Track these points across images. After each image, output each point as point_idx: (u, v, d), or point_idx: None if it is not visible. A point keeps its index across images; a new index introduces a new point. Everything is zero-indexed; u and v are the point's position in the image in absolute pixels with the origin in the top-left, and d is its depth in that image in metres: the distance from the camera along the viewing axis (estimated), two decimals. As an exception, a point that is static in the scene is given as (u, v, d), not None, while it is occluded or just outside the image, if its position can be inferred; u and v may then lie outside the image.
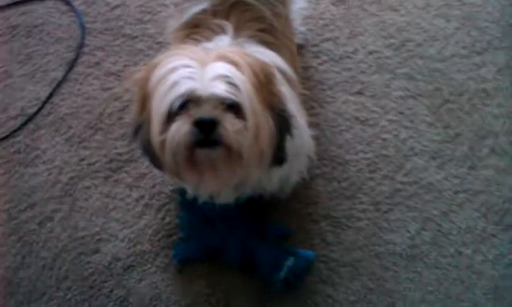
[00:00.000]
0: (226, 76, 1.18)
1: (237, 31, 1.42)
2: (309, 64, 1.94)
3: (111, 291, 1.63)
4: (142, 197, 1.76)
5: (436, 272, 1.60)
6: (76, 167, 1.83)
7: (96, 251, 1.69)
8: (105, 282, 1.64)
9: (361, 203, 1.70)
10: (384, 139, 1.80)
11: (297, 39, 1.85)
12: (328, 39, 1.99)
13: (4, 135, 1.91)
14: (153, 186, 1.77)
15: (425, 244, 1.63)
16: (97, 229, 1.72)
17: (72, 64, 2.03)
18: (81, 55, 2.05)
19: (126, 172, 1.80)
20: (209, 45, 1.37)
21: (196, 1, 1.50)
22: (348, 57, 1.95)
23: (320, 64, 1.94)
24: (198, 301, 1.59)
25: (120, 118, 1.90)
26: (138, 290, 1.62)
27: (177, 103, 1.20)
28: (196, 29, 1.47)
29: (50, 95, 1.98)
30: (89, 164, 1.83)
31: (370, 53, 1.95)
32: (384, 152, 1.77)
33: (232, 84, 1.18)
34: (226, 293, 1.59)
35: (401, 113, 1.84)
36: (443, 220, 1.66)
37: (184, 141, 1.20)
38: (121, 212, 1.74)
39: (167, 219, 1.71)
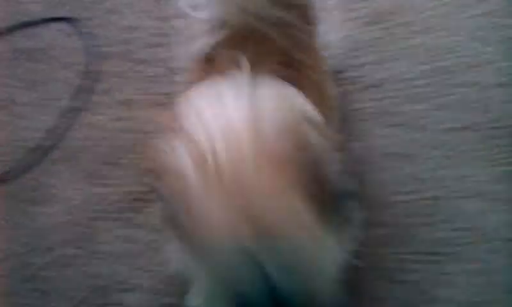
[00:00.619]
0: None
1: (255, 66, 1.21)
2: (340, 93, 1.78)
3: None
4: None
5: (502, 336, 1.46)
6: (95, 206, 1.72)
7: (120, 304, 1.58)
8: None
9: (413, 252, 1.56)
10: (431, 178, 1.66)
11: (327, 66, 1.71)
12: (361, 65, 1.87)
13: (14, 172, 1.81)
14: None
15: (487, 303, 1.49)
16: (120, 278, 1.61)
17: (82, 92, 1.93)
18: (91, 82, 1.94)
19: (150, 212, 1.69)
20: (227, 95, 1.15)
21: (209, 32, 1.35)
22: (383, 85, 1.83)
23: (352, 93, 1.82)
24: None
25: (140, 151, 1.77)
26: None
27: None
28: (210, 64, 1.32)
29: (61, 126, 1.87)
30: (109, 203, 1.72)
31: (409, 80, 1.83)
32: (434, 193, 1.63)
33: None
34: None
35: (448, 147, 1.70)
36: (506, 274, 1.51)
37: None
38: (144, 258, 1.63)
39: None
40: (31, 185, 1.78)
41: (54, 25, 2.09)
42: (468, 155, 1.69)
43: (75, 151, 1.82)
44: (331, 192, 1.06)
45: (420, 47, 1.89)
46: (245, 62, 1.21)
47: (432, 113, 1.77)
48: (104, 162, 1.79)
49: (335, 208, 1.08)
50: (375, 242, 1.59)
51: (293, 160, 1.01)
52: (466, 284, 1.52)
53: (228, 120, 1.03)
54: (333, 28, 1.80)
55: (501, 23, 1.91)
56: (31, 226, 1.71)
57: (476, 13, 1.94)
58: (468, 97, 1.78)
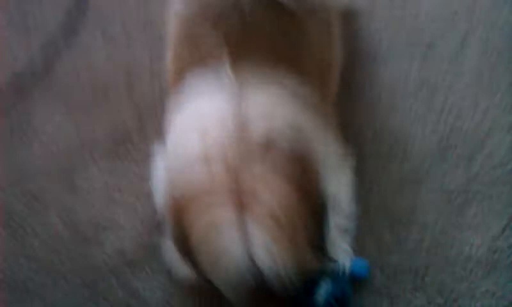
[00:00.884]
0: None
1: (238, 63, 1.11)
2: (361, 28, 1.63)
3: (114, 293, 1.41)
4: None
5: (524, 284, 1.31)
6: (76, 144, 1.59)
7: (100, 245, 1.46)
8: (109, 282, 1.42)
9: (429, 191, 1.40)
10: (458, 109, 1.49)
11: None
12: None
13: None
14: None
15: (510, 247, 1.34)
16: (100, 217, 1.49)
17: (74, 30, 1.77)
18: (85, 19, 1.78)
19: (134, 149, 1.56)
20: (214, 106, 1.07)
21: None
22: (409, 16, 1.62)
23: (375, 27, 1.62)
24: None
25: (128, 90, 1.64)
26: (144, 293, 1.40)
27: None
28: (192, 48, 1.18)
29: (49, 63, 1.73)
30: (91, 141, 1.59)
31: (437, 9, 1.62)
32: (458, 125, 1.47)
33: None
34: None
35: (479, 77, 1.52)
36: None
37: None
38: (128, 196, 1.50)
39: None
40: (11, 122, 1.66)
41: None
42: (506, 84, 1.51)
43: (60, 89, 1.69)
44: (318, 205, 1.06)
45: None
46: (227, 60, 1.10)
47: (469, 40, 1.58)
48: (88, 99, 1.66)
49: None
50: (385, 180, 1.44)
51: (283, 173, 1.00)
52: (485, 228, 1.38)
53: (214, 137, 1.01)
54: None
55: None
56: (9, 163, 1.60)
57: None
58: (495, 22, 1.59)
